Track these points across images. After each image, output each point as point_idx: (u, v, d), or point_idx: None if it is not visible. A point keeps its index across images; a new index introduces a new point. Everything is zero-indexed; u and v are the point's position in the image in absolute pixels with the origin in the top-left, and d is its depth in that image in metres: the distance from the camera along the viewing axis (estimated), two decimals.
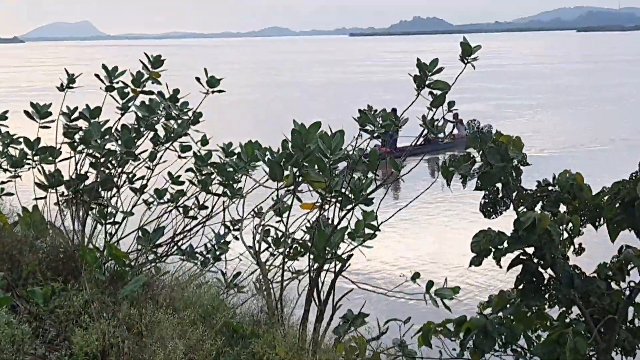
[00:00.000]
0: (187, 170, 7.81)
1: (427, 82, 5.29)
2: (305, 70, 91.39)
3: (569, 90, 58.12)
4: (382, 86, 61.62)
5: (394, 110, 28.50)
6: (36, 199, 8.86)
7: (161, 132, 7.85)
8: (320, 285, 5.50)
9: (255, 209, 7.01)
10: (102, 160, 8.75)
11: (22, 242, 6.86)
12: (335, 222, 5.47)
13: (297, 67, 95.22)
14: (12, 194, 11.29)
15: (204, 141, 8.38)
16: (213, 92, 8.46)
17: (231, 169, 7.25)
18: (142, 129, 8.31)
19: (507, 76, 72.37)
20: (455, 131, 30.81)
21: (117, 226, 8.35)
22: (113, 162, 8.65)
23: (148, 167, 8.36)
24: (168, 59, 8.10)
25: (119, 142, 8.19)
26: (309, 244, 5.56)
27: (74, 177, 8.67)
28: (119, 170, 8.79)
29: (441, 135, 5.70)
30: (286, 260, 5.93)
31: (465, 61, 5.27)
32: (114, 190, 8.60)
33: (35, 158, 8.65)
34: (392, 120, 5.55)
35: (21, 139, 10.75)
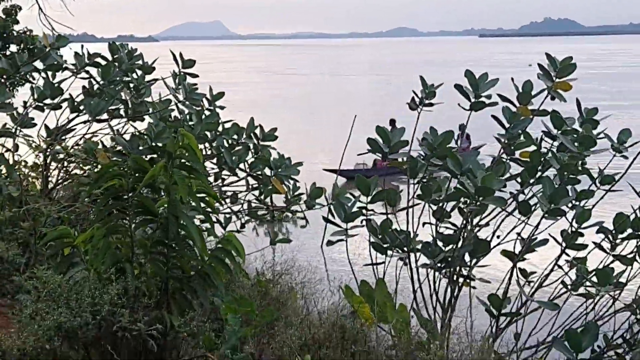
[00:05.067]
0: None
1: None
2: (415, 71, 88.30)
3: None
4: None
5: (393, 121, 25.35)
6: (374, 264, 6.18)
7: None
8: None
9: None
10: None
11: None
12: None
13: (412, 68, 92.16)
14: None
15: None
16: None
17: None
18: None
19: (611, 78, 68.40)
20: (459, 143, 27.60)
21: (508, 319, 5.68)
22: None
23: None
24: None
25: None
26: None
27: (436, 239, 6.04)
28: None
29: None
30: None
31: None
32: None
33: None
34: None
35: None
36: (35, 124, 7.73)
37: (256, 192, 7.69)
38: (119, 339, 4.29)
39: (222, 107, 8.01)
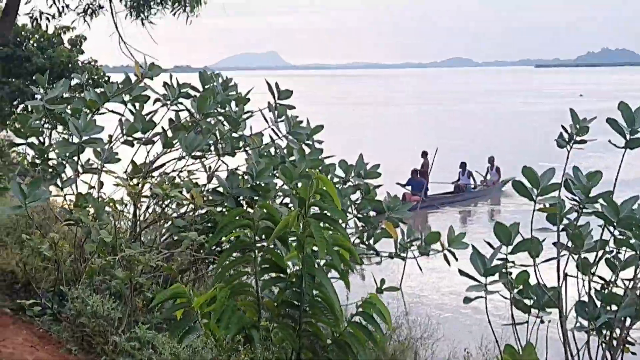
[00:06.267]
0: None
1: None
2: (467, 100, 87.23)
3: None
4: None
5: (425, 153, 24.11)
6: (515, 324, 5.39)
7: None
8: None
9: None
10: None
11: None
12: None
13: (462, 98, 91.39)
14: None
15: None
16: None
17: None
18: None
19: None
20: (488, 177, 26.32)
21: None
22: None
23: None
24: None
25: None
26: None
27: None
28: None
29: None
30: None
31: None
32: None
33: None
34: None
35: None
36: (119, 159, 7.14)
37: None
38: None
39: (320, 142, 7.33)
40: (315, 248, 3.95)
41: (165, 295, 4.03)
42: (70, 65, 23.13)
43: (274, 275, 4.04)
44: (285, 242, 4.01)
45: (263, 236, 4.01)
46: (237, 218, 3.94)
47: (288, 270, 4.03)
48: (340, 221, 3.95)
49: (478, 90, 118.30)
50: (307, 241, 3.88)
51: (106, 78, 23.42)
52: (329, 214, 3.90)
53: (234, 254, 4.04)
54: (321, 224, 3.90)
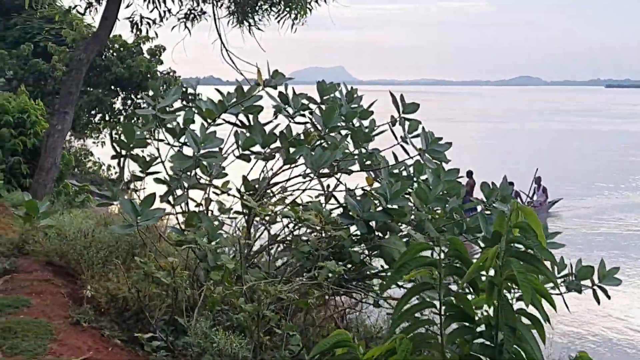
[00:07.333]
0: None
1: None
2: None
3: None
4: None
5: (470, 172, 22.83)
6: None
7: None
8: None
9: None
10: None
11: None
12: None
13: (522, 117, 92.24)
14: None
15: None
16: None
17: None
18: None
19: None
20: (535, 197, 25.13)
21: None
22: None
23: None
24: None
25: None
26: None
27: None
28: None
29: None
30: None
31: None
32: None
33: None
34: None
35: None
36: (226, 174, 6.54)
37: None
38: None
39: (447, 161, 6.62)
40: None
41: (327, 344, 3.36)
42: (149, 75, 22.91)
43: (458, 324, 3.34)
44: (476, 286, 3.31)
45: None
46: (420, 254, 3.26)
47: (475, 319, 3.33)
48: (547, 263, 3.23)
49: (541, 108, 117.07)
50: (505, 285, 3.18)
51: (183, 89, 23.13)
52: (532, 252, 3.20)
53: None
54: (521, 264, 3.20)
